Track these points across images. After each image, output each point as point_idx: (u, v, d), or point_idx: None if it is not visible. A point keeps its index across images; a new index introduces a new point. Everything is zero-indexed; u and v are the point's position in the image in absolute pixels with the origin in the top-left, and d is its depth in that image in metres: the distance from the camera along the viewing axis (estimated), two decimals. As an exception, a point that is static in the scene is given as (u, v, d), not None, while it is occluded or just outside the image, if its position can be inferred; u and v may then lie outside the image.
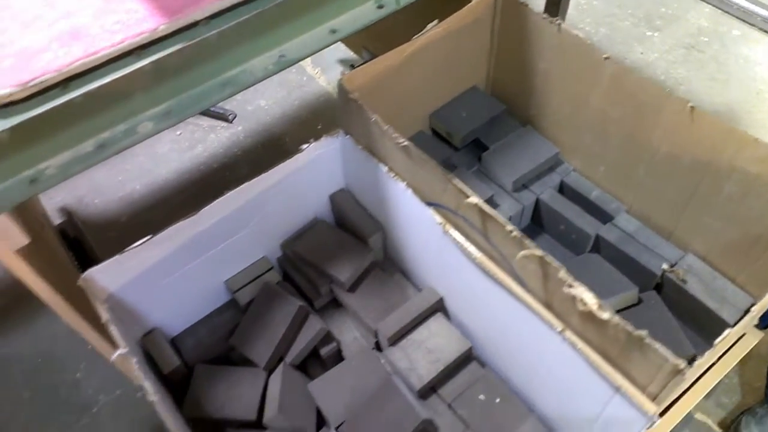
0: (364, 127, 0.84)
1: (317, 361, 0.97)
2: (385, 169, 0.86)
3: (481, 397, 0.88)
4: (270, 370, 0.92)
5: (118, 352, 0.69)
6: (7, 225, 0.68)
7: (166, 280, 0.87)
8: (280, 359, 0.93)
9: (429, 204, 0.81)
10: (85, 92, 0.65)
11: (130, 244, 0.81)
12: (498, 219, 0.68)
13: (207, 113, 1.79)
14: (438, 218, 0.80)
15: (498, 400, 0.87)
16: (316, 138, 0.91)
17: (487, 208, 0.70)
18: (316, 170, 0.96)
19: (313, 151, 0.92)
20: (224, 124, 1.80)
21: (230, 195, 0.85)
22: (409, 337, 0.91)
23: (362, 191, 0.98)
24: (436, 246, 0.84)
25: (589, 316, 0.64)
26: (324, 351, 0.94)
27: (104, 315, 0.72)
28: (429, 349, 0.90)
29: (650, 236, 1.00)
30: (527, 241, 0.66)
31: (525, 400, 0.88)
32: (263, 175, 0.89)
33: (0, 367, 1.29)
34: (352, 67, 1.72)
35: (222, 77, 0.76)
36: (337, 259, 0.96)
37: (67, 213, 1.51)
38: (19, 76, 0.60)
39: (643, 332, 0.59)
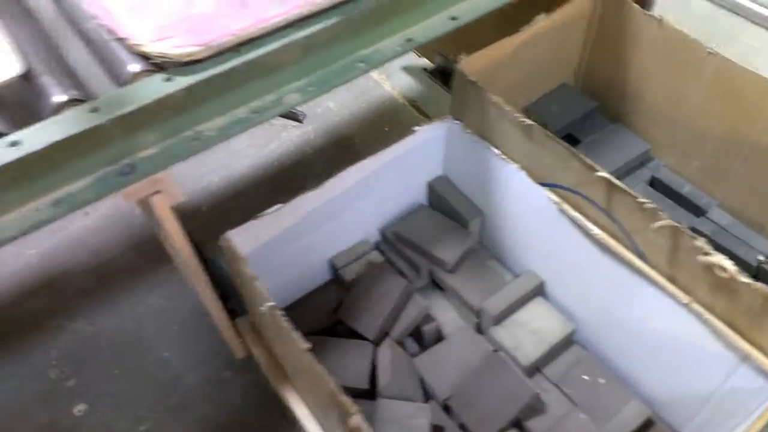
0: (480, 110, 0.88)
1: (414, 338, 1.00)
2: (496, 152, 0.89)
3: (585, 377, 0.90)
4: (375, 344, 0.95)
5: (267, 304, 0.73)
6: (169, 181, 0.72)
7: (283, 252, 0.91)
8: (384, 335, 0.96)
9: (543, 185, 0.84)
10: (248, 60, 0.70)
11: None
12: (629, 191, 0.72)
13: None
14: (553, 197, 0.83)
15: (602, 381, 0.89)
16: (423, 123, 0.96)
17: (616, 181, 0.73)
18: (420, 156, 1.00)
19: (420, 136, 0.96)
20: (295, 123, 1.86)
21: (350, 170, 0.90)
22: (512, 318, 0.94)
23: (463, 177, 1.02)
24: (546, 227, 0.87)
25: (720, 285, 0.66)
26: (426, 329, 0.97)
27: (249, 271, 0.76)
28: (533, 330, 0.92)
29: (743, 230, 1.02)
30: (661, 212, 0.69)
31: (629, 382, 0.90)
32: (376, 155, 0.93)
33: (88, 346, 1.33)
34: (425, 71, 1.78)
35: (358, 55, 0.81)
36: (440, 241, 0.99)
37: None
38: (201, 38, 0.65)
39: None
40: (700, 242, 0.66)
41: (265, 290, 0.72)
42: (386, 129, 1.87)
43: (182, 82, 0.67)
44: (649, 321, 0.79)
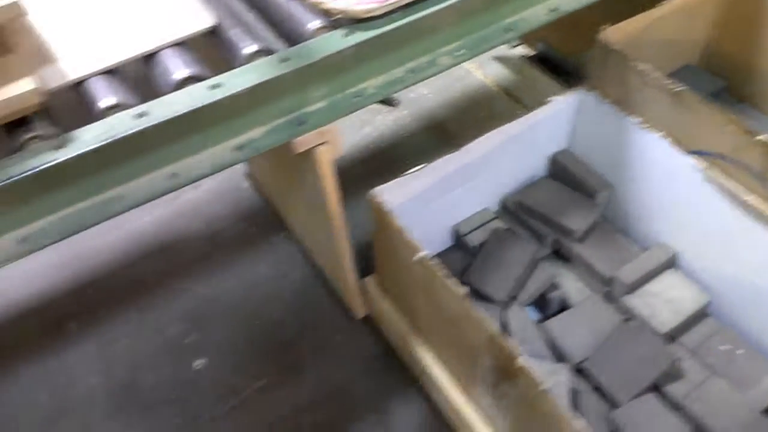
0: (620, 79, 0.90)
1: (537, 307, 1.02)
2: (636, 121, 0.90)
3: (723, 347, 0.89)
4: (501, 307, 0.98)
5: (420, 254, 0.77)
6: (336, 133, 0.77)
7: (415, 214, 0.95)
8: (511, 299, 0.98)
9: (690, 153, 0.85)
10: (410, 20, 0.73)
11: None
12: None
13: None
14: (699, 164, 0.83)
15: (740, 352, 0.88)
16: (555, 94, 0.97)
17: (779, 144, 0.73)
18: (548, 127, 1.02)
19: (553, 107, 0.98)
20: (389, 108, 1.90)
21: (490, 135, 0.92)
22: (645, 287, 0.95)
23: (591, 150, 1.03)
24: (687, 196, 0.88)
25: None
26: (552, 296, 0.98)
27: (398, 223, 0.80)
28: (667, 300, 0.93)
29: None
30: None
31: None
32: (514, 122, 0.95)
33: (206, 306, 1.40)
34: (524, 58, 1.78)
35: (506, 22, 0.83)
36: (567, 211, 1.01)
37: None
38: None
39: None
40: None
41: (417, 241, 0.76)
42: (481, 115, 1.89)
43: (360, 37, 0.71)
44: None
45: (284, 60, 0.68)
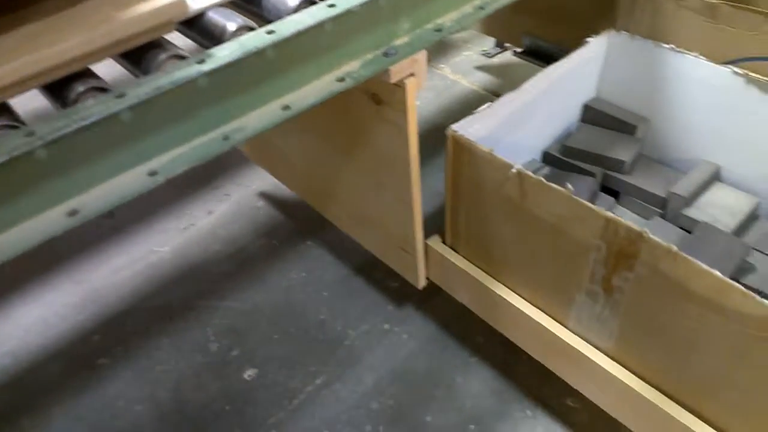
0: (652, 11, 0.98)
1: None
2: (670, 47, 0.98)
3: (784, 240, 0.95)
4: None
5: (516, 167, 0.79)
6: (423, 62, 0.80)
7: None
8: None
9: (726, 64, 0.93)
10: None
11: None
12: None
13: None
14: (739, 71, 0.91)
15: (801, 242, 0.94)
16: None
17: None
18: (577, 75, 1.09)
19: (587, 49, 1.05)
20: (387, 121, 1.96)
21: (535, 78, 0.98)
22: (699, 199, 1.00)
23: (622, 91, 1.11)
24: (728, 107, 0.95)
25: None
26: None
27: (483, 147, 0.83)
28: (723, 206, 0.98)
29: None
30: None
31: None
32: (555, 65, 1.01)
33: (243, 320, 1.36)
34: (516, 53, 1.87)
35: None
36: (611, 146, 1.07)
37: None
38: None
39: None
40: None
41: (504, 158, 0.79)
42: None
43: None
44: None
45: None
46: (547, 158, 1.14)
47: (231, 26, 0.63)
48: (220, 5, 0.67)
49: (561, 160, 1.11)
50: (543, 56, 1.67)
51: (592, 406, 0.92)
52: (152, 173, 0.57)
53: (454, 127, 0.89)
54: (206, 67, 0.57)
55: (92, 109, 0.52)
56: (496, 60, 2.13)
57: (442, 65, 2.16)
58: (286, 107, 0.68)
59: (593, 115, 1.14)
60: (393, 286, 1.38)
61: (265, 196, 1.69)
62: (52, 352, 1.32)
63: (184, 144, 0.60)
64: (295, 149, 1.22)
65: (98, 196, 0.55)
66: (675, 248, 0.66)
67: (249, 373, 1.25)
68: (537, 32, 1.73)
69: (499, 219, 0.88)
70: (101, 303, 1.41)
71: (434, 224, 1.08)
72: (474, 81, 2.09)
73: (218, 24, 0.63)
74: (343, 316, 1.34)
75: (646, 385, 0.81)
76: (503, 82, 2.05)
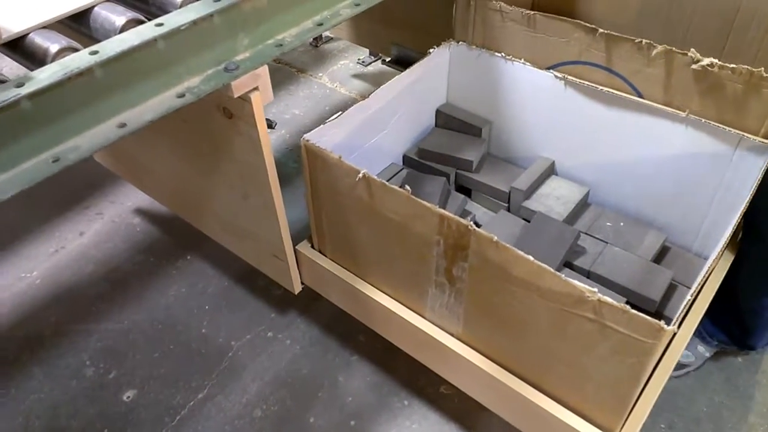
0: (483, 22, 1.08)
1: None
2: (501, 55, 1.09)
3: (608, 224, 1.08)
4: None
5: (361, 172, 0.85)
6: (266, 78, 0.84)
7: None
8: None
9: (548, 69, 1.04)
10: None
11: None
12: (627, 37, 0.92)
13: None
14: (558, 75, 1.03)
15: (622, 224, 1.08)
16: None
17: (615, 33, 0.94)
18: (428, 82, 1.18)
19: (431, 59, 1.13)
20: (269, 130, 1.98)
21: (382, 88, 1.05)
22: (537, 192, 1.12)
23: (468, 97, 1.21)
24: (555, 107, 1.07)
25: (709, 88, 0.87)
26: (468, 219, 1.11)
27: (334, 156, 0.88)
28: (557, 197, 1.10)
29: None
30: (654, 44, 0.90)
31: (643, 221, 1.09)
32: (393, 79, 1.09)
33: (122, 341, 1.33)
34: (384, 62, 1.96)
35: None
36: (461, 148, 1.16)
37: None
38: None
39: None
40: (691, 52, 0.87)
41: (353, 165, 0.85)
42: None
43: None
44: (654, 149, 0.99)
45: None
46: (406, 161, 1.22)
47: (53, 48, 0.63)
48: (46, 27, 0.67)
49: (418, 162, 1.19)
50: (410, 64, 1.75)
51: (462, 391, 1.00)
52: (-23, 201, 0.57)
53: (307, 136, 0.94)
54: (25, 90, 0.58)
55: None
56: (370, 68, 2.22)
57: (321, 74, 2.21)
58: (122, 125, 0.69)
59: (444, 120, 1.23)
60: (276, 294, 1.41)
61: (141, 212, 1.66)
62: None
63: (11, 169, 0.60)
64: (161, 165, 1.22)
65: None
66: (496, 238, 0.75)
67: (128, 395, 1.23)
68: (403, 42, 1.83)
69: (355, 221, 0.94)
70: (-40, 337, 1.33)
71: (308, 230, 1.12)
72: (352, 89, 2.16)
73: (41, 46, 0.64)
74: (226, 328, 1.35)
75: (493, 364, 0.89)
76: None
